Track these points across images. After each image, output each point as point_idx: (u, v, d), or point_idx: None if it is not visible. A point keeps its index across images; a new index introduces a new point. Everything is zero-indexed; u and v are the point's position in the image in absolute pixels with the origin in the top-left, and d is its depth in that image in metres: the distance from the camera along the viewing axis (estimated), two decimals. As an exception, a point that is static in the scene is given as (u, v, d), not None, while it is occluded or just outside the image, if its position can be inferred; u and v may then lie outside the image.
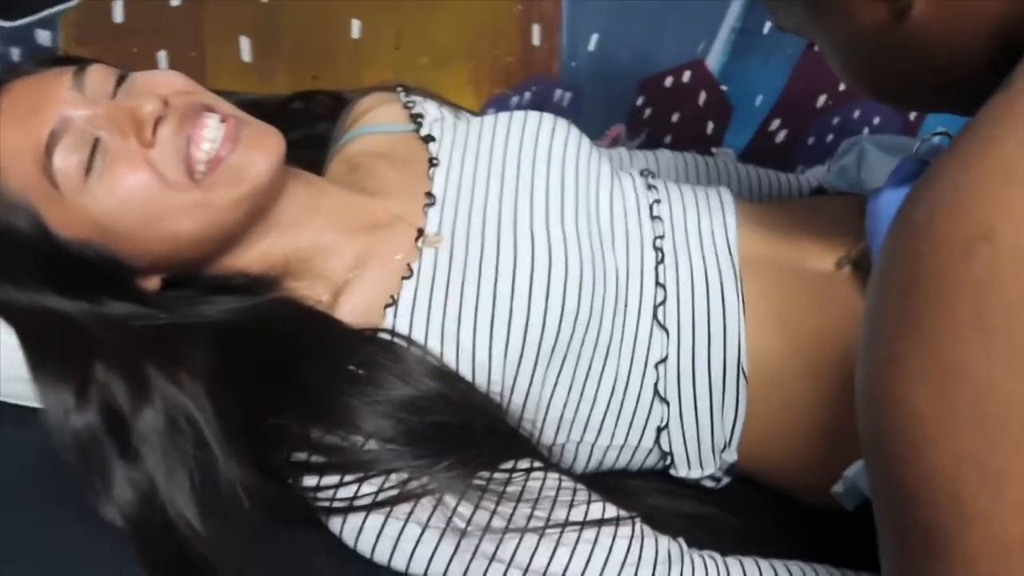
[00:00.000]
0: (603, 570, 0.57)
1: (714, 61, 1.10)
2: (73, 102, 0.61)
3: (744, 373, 0.67)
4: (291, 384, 0.59)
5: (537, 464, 0.61)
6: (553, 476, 0.61)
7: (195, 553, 0.55)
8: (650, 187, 0.75)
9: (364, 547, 0.58)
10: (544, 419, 0.66)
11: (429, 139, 0.74)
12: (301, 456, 0.58)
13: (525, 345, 0.62)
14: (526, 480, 0.59)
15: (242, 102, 0.69)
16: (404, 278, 0.64)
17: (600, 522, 0.58)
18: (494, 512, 0.57)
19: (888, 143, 0.81)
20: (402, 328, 0.62)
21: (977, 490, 0.33)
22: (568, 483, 0.61)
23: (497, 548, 0.56)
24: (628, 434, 0.69)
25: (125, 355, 0.58)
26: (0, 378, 0.61)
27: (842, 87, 1.13)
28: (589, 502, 0.60)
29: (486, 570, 0.57)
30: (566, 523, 0.57)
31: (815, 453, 0.67)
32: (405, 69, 0.95)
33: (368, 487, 0.57)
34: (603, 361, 0.66)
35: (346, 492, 0.57)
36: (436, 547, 0.57)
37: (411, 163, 0.73)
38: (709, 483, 0.72)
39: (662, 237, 0.71)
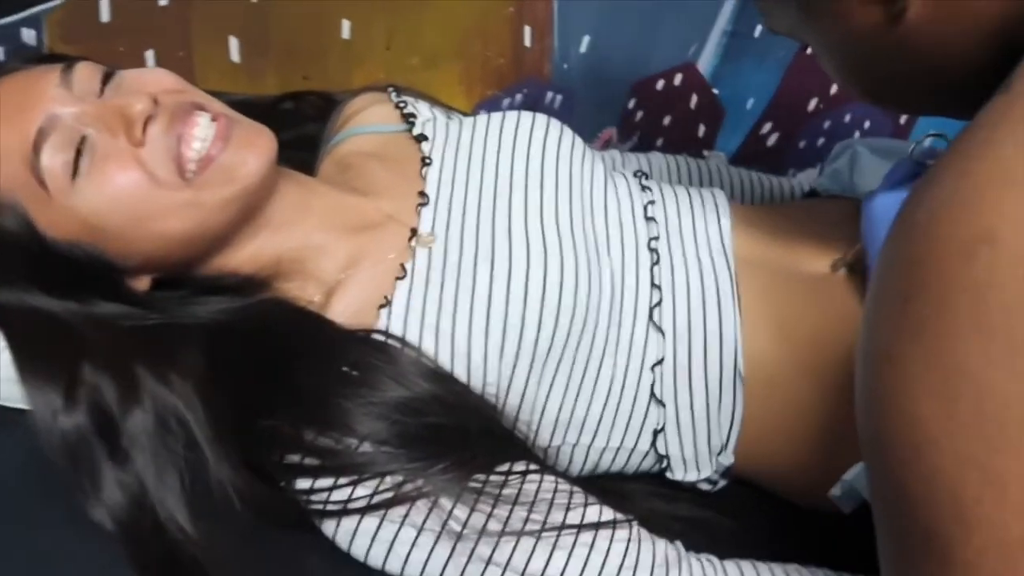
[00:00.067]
0: (600, 574, 0.57)
1: (705, 64, 1.10)
2: (61, 100, 0.61)
3: (741, 375, 0.67)
4: (284, 385, 0.59)
5: (533, 466, 0.61)
6: (549, 479, 0.60)
7: (186, 556, 0.54)
8: (644, 188, 0.75)
9: (358, 551, 0.58)
10: (539, 421, 0.65)
11: (422, 138, 0.74)
12: (294, 458, 0.57)
13: (520, 346, 0.62)
14: (522, 483, 0.58)
15: (231, 103, 0.68)
16: (398, 278, 0.64)
17: (597, 525, 0.58)
18: (490, 515, 0.56)
19: (880, 146, 0.81)
20: (396, 329, 0.62)
21: (979, 492, 0.33)
22: (564, 486, 0.60)
23: (493, 551, 0.56)
24: (624, 437, 0.68)
25: (114, 355, 0.58)
26: (-13, 379, 0.60)
27: (833, 91, 1.14)
28: (586, 505, 0.59)
29: (482, 573, 0.56)
30: (563, 526, 0.57)
31: (812, 455, 0.67)
32: (396, 70, 0.95)
33: (362, 490, 0.56)
34: (599, 363, 0.66)
35: (340, 495, 0.56)
36: (431, 550, 0.56)
37: (403, 163, 0.72)
38: (705, 486, 0.71)
39: (657, 238, 0.71)
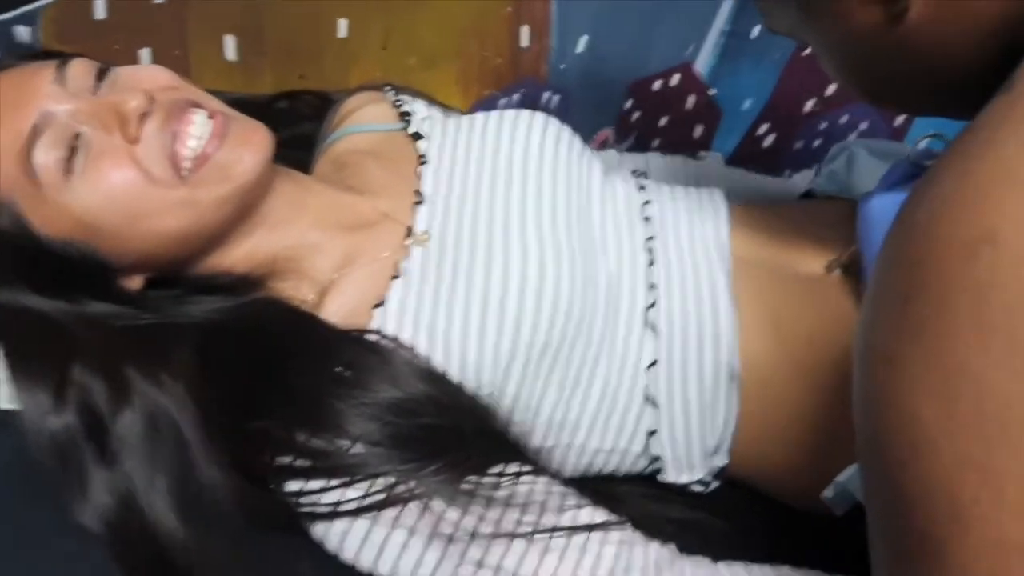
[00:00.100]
0: None
1: (703, 64, 1.10)
2: (55, 96, 0.60)
3: (736, 376, 0.67)
4: (276, 386, 0.58)
5: (526, 468, 0.60)
6: (542, 480, 0.60)
7: (175, 559, 0.54)
8: (641, 188, 0.75)
9: (348, 553, 0.57)
10: (533, 422, 0.65)
11: (418, 137, 0.74)
12: (285, 460, 0.57)
13: (516, 346, 0.61)
14: (515, 484, 0.58)
15: (227, 101, 0.68)
16: (393, 277, 0.64)
17: (590, 527, 0.58)
18: (482, 517, 0.56)
19: (878, 148, 0.82)
20: (390, 329, 0.61)
21: (976, 493, 0.33)
22: (557, 487, 0.60)
23: (485, 554, 0.56)
24: (617, 438, 0.68)
25: (105, 355, 0.57)
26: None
27: (830, 92, 1.14)
28: (579, 507, 0.59)
29: None
30: (555, 528, 0.57)
31: (805, 456, 0.67)
32: (392, 69, 0.94)
33: (354, 492, 0.56)
34: (593, 363, 0.65)
35: (331, 497, 0.56)
36: (422, 553, 0.56)
37: (399, 161, 0.72)
38: (698, 488, 0.71)
39: (653, 238, 0.70)
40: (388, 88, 0.82)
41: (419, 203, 0.68)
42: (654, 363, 0.67)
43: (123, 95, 0.61)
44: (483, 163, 0.70)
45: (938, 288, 0.35)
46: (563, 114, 0.92)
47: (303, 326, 0.62)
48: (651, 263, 0.69)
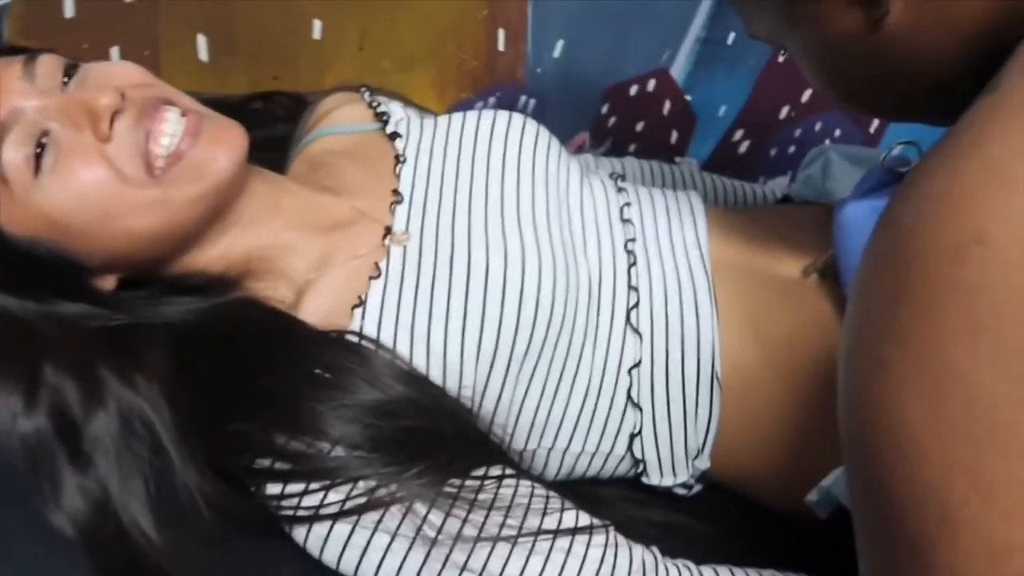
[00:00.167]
0: None
1: (678, 70, 1.11)
2: (23, 92, 0.59)
3: (718, 378, 0.67)
4: (254, 387, 0.57)
5: (509, 471, 0.60)
6: (525, 483, 0.59)
7: (150, 564, 0.53)
8: (620, 190, 0.75)
9: (330, 557, 0.56)
10: (515, 424, 0.64)
11: (395, 136, 0.73)
12: (264, 463, 0.56)
13: (498, 347, 0.61)
14: (498, 487, 0.57)
15: (199, 101, 0.66)
16: (372, 278, 0.63)
17: (574, 531, 0.57)
18: (465, 520, 0.55)
19: (853, 153, 0.82)
20: (370, 330, 0.60)
21: (966, 495, 0.33)
22: (540, 491, 0.59)
23: (468, 557, 0.55)
24: (600, 441, 0.68)
25: (77, 356, 0.56)
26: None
27: (805, 99, 1.15)
28: (562, 510, 0.58)
29: None
30: (539, 531, 0.56)
31: (787, 459, 0.67)
32: (368, 71, 0.94)
33: (334, 495, 0.55)
34: (576, 365, 0.65)
35: (311, 500, 0.55)
36: (405, 557, 0.55)
37: (376, 161, 0.71)
38: (681, 491, 0.71)
39: (633, 240, 0.70)
40: (364, 89, 0.81)
41: (397, 202, 0.67)
42: (637, 364, 0.66)
43: (94, 92, 0.59)
44: (462, 162, 0.69)
45: (926, 290, 0.35)
46: (539, 118, 0.92)
47: (281, 326, 0.61)
48: (632, 264, 0.69)
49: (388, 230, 0.66)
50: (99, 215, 0.58)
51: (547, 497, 0.59)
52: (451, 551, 0.55)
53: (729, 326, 0.68)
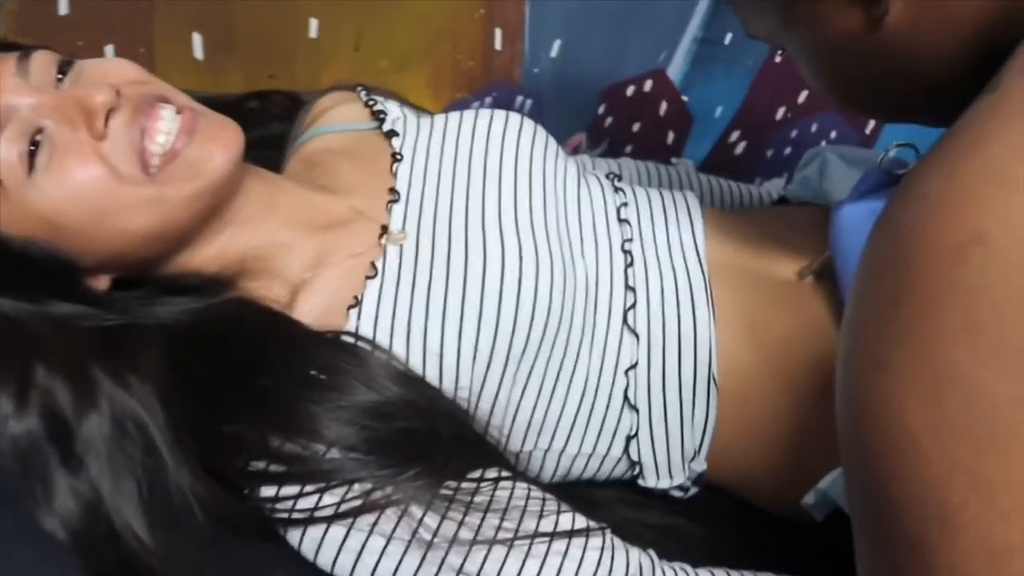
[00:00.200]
0: None
1: (675, 71, 1.10)
2: (17, 89, 0.58)
3: (714, 379, 0.66)
4: (248, 388, 0.57)
5: (505, 473, 0.59)
6: (522, 486, 0.59)
7: (143, 566, 0.52)
8: (617, 190, 0.75)
9: (324, 560, 0.56)
10: (512, 425, 0.64)
11: (392, 135, 0.73)
12: (259, 465, 0.55)
13: (495, 347, 0.60)
14: (494, 490, 0.57)
15: (194, 100, 0.66)
16: (368, 277, 0.62)
17: (570, 533, 0.57)
18: (461, 523, 0.55)
19: (850, 154, 0.82)
20: (366, 330, 0.60)
21: (965, 497, 0.33)
22: (537, 493, 0.59)
23: (464, 560, 0.55)
24: (597, 442, 0.68)
25: (70, 357, 0.55)
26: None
27: (801, 100, 1.15)
28: (559, 513, 0.58)
29: None
30: (535, 534, 0.56)
31: (783, 461, 0.67)
32: (364, 71, 0.94)
33: (330, 498, 0.54)
34: (573, 365, 0.65)
35: (306, 503, 0.55)
36: (401, 560, 0.55)
37: (373, 160, 0.71)
38: (677, 493, 0.71)
39: (631, 240, 0.70)
40: (361, 88, 0.81)
41: (394, 201, 0.67)
42: (634, 365, 0.66)
43: (88, 89, 0.59)
44: (459, 161, 0.69)
45: (926, 290, 0.35)
46: (536, 118, 0.92)
47: (276, 327, 0.60)
48: (629, 265, 0.68)
49: (385, 229, 0.65)
50: (94, 214, 0.58)
51: (543, 499, 0.59)
52: (447, 554, 0.54)
53: (726, 327, 0.67)
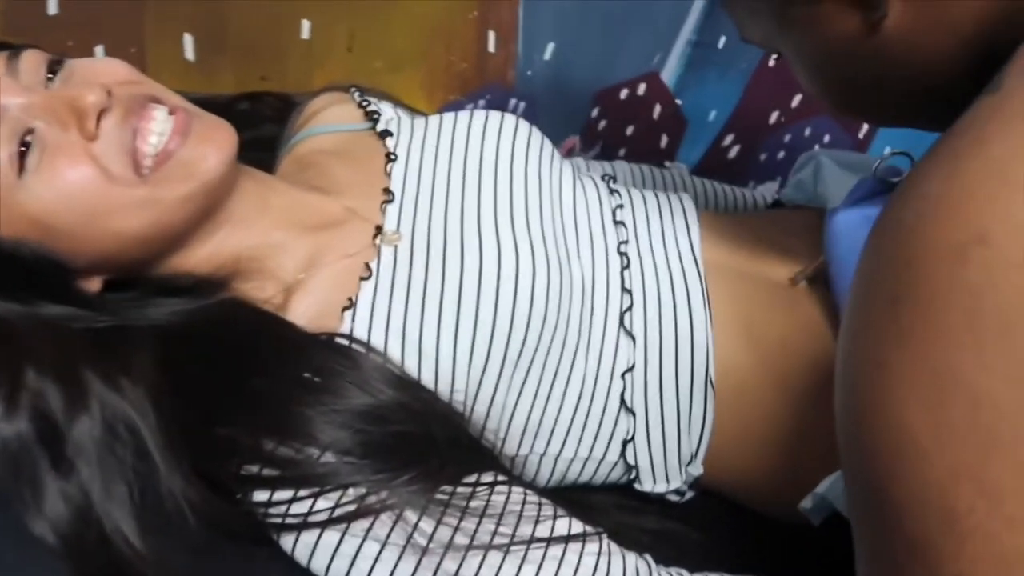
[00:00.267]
0: None
1: (669, 74, 1.11)
2: (7, 89, 0.58)
3: (711, 382, 0.66)
4: (242, 391, 0.56)
5: (501, 478, 0.59)
6: (518, 490, 0.58)
7: (133, 572, 0.52)
8: (612, 192, 0.74)
9: (318, 566, 0.55)
10: (508, 428, 0.63)
11: (386, 135, 0.72)
12: (252, 469, 0.55)
13: (491, 349, 0.60)
14: (490, 494, 0.57)
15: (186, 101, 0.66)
16: (363, 278, 0.62)
17: (567, 538, 0.56)
18: (457, 528, 0.54)
19: (844, 158, 0.82)
20: (360, 332, 0.60)
21: (972, 502, 0.33)
22: (533, 498, 0.58)
23: (460, 566, 0.54)
24: (593, 446, 0.67)
25: (60, 359, 0.55)
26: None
27: (795, 104, 1.15)
28: (555, 517, 0.58)
29: None
30: (532, 539, 0.55)
31: (780, 464, 0.66)
32: (357, 72, 0.93)
33: (324, 502, 0.54)
34: (569, 368, 0.64)
35: (300, 507, 0.54)
36: (396, 565, 0.54)
37: (367, 160, 0.70)
38: (674, 497, 0.70)
39: (626, 242, 0.70)
40: (354, 89, 0.80)
41: (388, 201, 0.66)
42: (630, 368, 0.66)
43: (80, 89, 0.58)
44: (454, 162, 0.68)
45: (928, 290, 0.34)
46: (529, 121, 0.92)
47: (270, 329, 0.60)
48: (625, 267, 0.68)
49: (379, 229, 0.65)
50: (85, 215, 0.57)
51: (539, 504, 0.58)
52: (442, 560, 0.54)
53: (722, 329, 0.67)
